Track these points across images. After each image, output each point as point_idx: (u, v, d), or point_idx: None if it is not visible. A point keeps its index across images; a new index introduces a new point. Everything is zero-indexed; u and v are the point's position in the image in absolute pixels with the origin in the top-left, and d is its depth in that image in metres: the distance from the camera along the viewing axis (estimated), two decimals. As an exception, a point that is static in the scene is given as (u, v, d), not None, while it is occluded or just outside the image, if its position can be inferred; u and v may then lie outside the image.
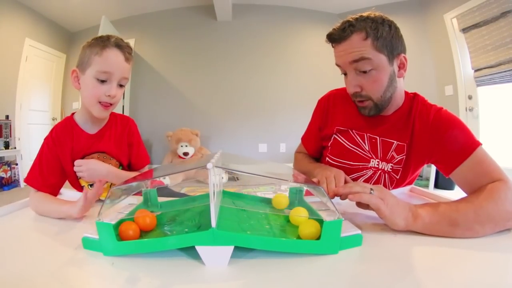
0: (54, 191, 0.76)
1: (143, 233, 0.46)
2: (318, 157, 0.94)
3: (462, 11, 2.72)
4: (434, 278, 0.36)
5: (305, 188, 0.63)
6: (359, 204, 0.52)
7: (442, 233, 0.49)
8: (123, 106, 3.70)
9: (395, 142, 0.75)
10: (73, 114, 0.83)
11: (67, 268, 0.40)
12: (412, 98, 0.76)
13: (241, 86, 3.76)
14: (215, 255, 0.39)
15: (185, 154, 3.24)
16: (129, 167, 0.89)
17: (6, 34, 3.02)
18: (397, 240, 0.48)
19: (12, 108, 3.16)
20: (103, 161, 0.80)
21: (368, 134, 0.78)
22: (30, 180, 0.73)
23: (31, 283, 0.36)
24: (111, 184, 0.83)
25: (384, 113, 0.75)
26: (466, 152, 0.62)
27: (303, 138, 0.97)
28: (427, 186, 2.62)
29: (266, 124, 3.78)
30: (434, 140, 0.69)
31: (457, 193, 0.61)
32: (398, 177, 0.76)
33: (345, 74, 0.71)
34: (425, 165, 0.76)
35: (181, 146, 3.27)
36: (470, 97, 2.79)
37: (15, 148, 3.12)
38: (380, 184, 0.77)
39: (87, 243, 0.44)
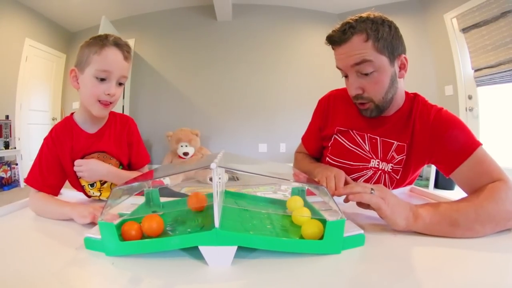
0: (54, 191, 0.76)
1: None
2: (318, 157, 0.94)
3: (462, 11, 2.72)
4: (435, 278, 0.37)
5: (306, 187, 0.63)
6: (360, 204, 0.52)
7: (442, 233, 0.49)
8: (123, 106, 3.70)
9: (395, 142, 0.75)
10: (72, 114, 0.82)
11: (68, 268, 0.40)
12: (413, 99, 0.76)
13: (241, 86, 3.76)
14: (218, 255, 0.39)
15: (185, 154, 3.24)
16: (129, 167, 0.89)
17: (6, 34, 3.02)
18: (398, 240, 0.48)
19: (12, 108, 3.16)
20: (103, 161, 0.80)
21: (368, 134, 0.78)
22: (30, 180, 0.73)
23: (32, 283, 0.36)
24: (112, 184, 0.83)
25: (384, 114, 0.75)
26: (467, 152, 0.62)
27: (303, 138, 0.97)
28: (427, 186, 2.63)
29: (266, 124, 3.78)
30: (434, 140, 0.69)
31: (457, 193, 0.61)
32: (398, 177, 0.77)
33: (346, 76, 0.71)
34: (425, 165, 0.76)
35: (181, 146, 3.27)
36: (470, 97, 2.79)
37: (15, 148, 3.12)
38: (380, 184, 0.78)
39: (89, 243, 0.44)
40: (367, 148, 0.78)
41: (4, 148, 2.99)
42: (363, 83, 0.68)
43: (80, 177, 0.80)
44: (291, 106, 3.73)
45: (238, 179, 3.13)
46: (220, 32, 3.75)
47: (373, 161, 0.78)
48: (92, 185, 0.83)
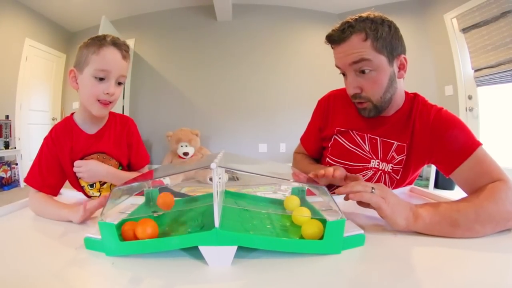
0: (54, 191, 0.76)
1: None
2: (317, 157, 0.94)
3: (462, 11, 2.72)
4: (435, 278, 0.37)
5: (306, 187, 0.63)
6: (360, 203, 0.52)
7: (442, 233, 0.49)
8: (123, 106, 3.70)
9: (395, 142, 0.75)
10: (72, 114, 0.83)
11: (68, 268, 0.40)
12: (413, 99, 0.76)
13: (241, 86, 3.76)
14: (218, 255, 0.39)
15: (185, 154, 3.24)
16: (128, 167, 0.89)
17: (6, 34, 3.02)
18: (398, 240, 0.48)
19: (12, 108, 3.16)
20: (102, 162, 0.80)
21: (368, 135, 0.78)
22: (30, 180, 0.73)
23: (32, 283, 0.36)
24: (111, 184, 0.83)
25: (384, 114, 0.75)
26: (467, 152, 0.62)
27: (302, 139, 0.97)
28: (427, 186, 2.63)
29: (266, 124, 3.78)
30: (434, 140, 0.69)
31: (457, 193, 0.61)
32: (398, 178, 0.77)
33: (345, 75, 0.71)
34: (425, 165, 0.76)
35: (181, 146, 3.27)
36: (470, 97, 2.79)
37: (15, 148, 3.12)
38: (381, 183, 0.77)
39: (89, 243, 0.44)
40: (367, 149, 0.78)
41: (4, 148, 2.99)
42: (362, 82, 0.68)
43: (79, 178, 0.80)
44: (291, 106, 3.73)
45: (238, 179, 3.13)
46: (220, 32, 3.74)
47: (373, 162, 0.78)
48: (91, 185, 0.83)
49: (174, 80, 3.78)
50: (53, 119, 3.78)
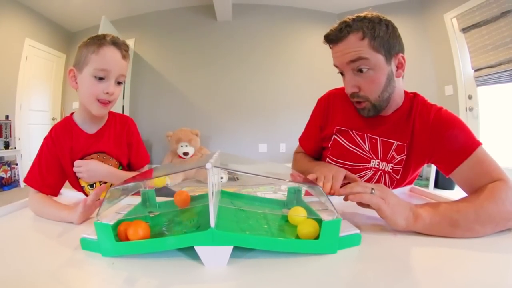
0: (54, 191, 0.75)
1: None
2: (316, 157, 0.94)
3: (462, 11, 2.72)
4: (433, 278, 0.36)
5: (304, 188, 0.63)
6: (360, 204, 0.52)
7: (442, 233, 0.49)
8: (123, 106, 3.70)
9: (395, 142, 0.75)
10: (72, 114, 0.82)
11: (65, 269, 0.40)
12: (412, 98, 0.75)
13: (241, 86, 3.76)
14: (214, 255, 0.39)
15: (185, 154, 3.24)
16: (128, 167, 0.89)
17: (6, 34, 3.02)
18: (396, 240, 0.48)
19: (12, 108, 3.16)
20: (102, 162, 0.80)
21: (368, 135, 0.78)
22: (30, 180, 0.73)
23: (30, 283, 0.36)
24: (111, 184, 0.83)
25: (383, 113, 0.75)
26: (466, 152, 0.62)
27: (300, 139, 0.96)
28: (427, 186, 2.62)
29: (266, 124, 3.78)
30: (434, 140, 0.68)
31: (457, 193, 0.61)
32: (398, 177, 0.76)
33: (343, 74, 0.71)
34: (425, 165, 0.76)
35: (181, 146, 3.27)
36: (470, 97, 2.79)
37: (15, 148, 3.12)
38: (381, 183, 0.77)
39: (86, 244, 0.44)
40: (367, 149, 0.78)
41: (4, 148, 3.00)
42: (359, 81, 0.68)
43: (79, 178, 0.80)
44: (291, 106, 3.72)
45: (237, 179, 3.13)
46: (220, 32, 3.75)
47: (373, 161, 0.78)
48: (91, 185, 0.83)
49: (174, 80, 3.78)
50: (53, 119, 3.79)
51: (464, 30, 2.75)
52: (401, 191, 0.78)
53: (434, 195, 0.71)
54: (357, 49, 0.64)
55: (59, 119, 3.75)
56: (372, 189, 0.50)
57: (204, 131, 3.61)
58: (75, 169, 0.75)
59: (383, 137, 0.76)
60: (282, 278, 0.37)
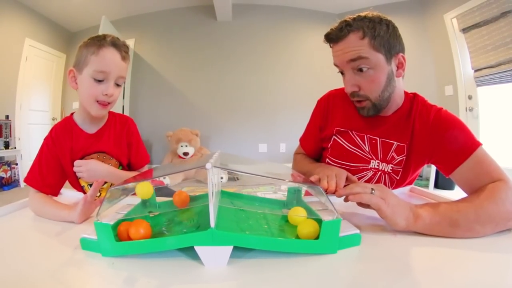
0: (54, 191, 0.76)
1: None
2: (316, 158, 0.94)
3: (462, 11, 2.72)
4: (433, 278, 0.36)
5: (304, 188, 0.63)
6: (360, 204, 0.52)
7: (442, 233, 0.49)
8: (123, 106, 3.70)
9: (395, 143, 0.75)
10: (72, 114, 0.83)
11: (65, 269, 0.40)
12: (412, 98, 0.75)
13: (241, 86, 3.76)
14: (214, 255, 0.39)
15: (185, 154, 3.24)
16: (129, 167, 0.89)
17: (6, 34, 3.02)
18: (396, 240, 0.48)
19: (12, 108, 3.16)
20: (102, 161, 0.80)
21: (368, 135, 0.78)
22: (30, 180, 0.73)
23: (30, 283, 0.36)
24: (111, 184, 0.83)
25: (383, 114, 0.75)
26: (466, 152, 0.62)
27: (301, 140, 0.96)
28: (427, 186, 2.62)
29: (266, 124, 3.78)
30: (434, 140, 0.68)
31: (457, 193, 0.61)
32: (398, 178, 0.76)
33: (343, 73, 0.71)
34: (425, 165, 0.76)
35: (181, 146, 3.27)
36: (470, 97, 2.79)
37: (15, 148, 3.12)
38: (381, 184, 0.77)
39: (85, 244, 0.44)
40: (367, 149, 0.78)
41: (4, 148, 3.00)
42: (359, 81, 0.68)
43: (79, 178, 0.80)
44: (291, 106, 3.72)
45: (238, 179, 3.13)
46: (220, 32, 3.75)
47: (373, 162, 0.78)
48: (91, 185, 0.83)
49: (174, 80, 3.78)
50: (53, 119, 3.79)
51: (464, 30, 2.75)
52: (401, 191, 0.78)
53: (434, 195, 0.71)
54: (357, 48, 0.64)
55: (59, 119, 3.75)
56: (372, 189, 0.50)
57: (204, 131, 3.61)
58: (75, 169, 0.75)
59: (383, 138, 0.76)
60: (282, 278, 0.37)
